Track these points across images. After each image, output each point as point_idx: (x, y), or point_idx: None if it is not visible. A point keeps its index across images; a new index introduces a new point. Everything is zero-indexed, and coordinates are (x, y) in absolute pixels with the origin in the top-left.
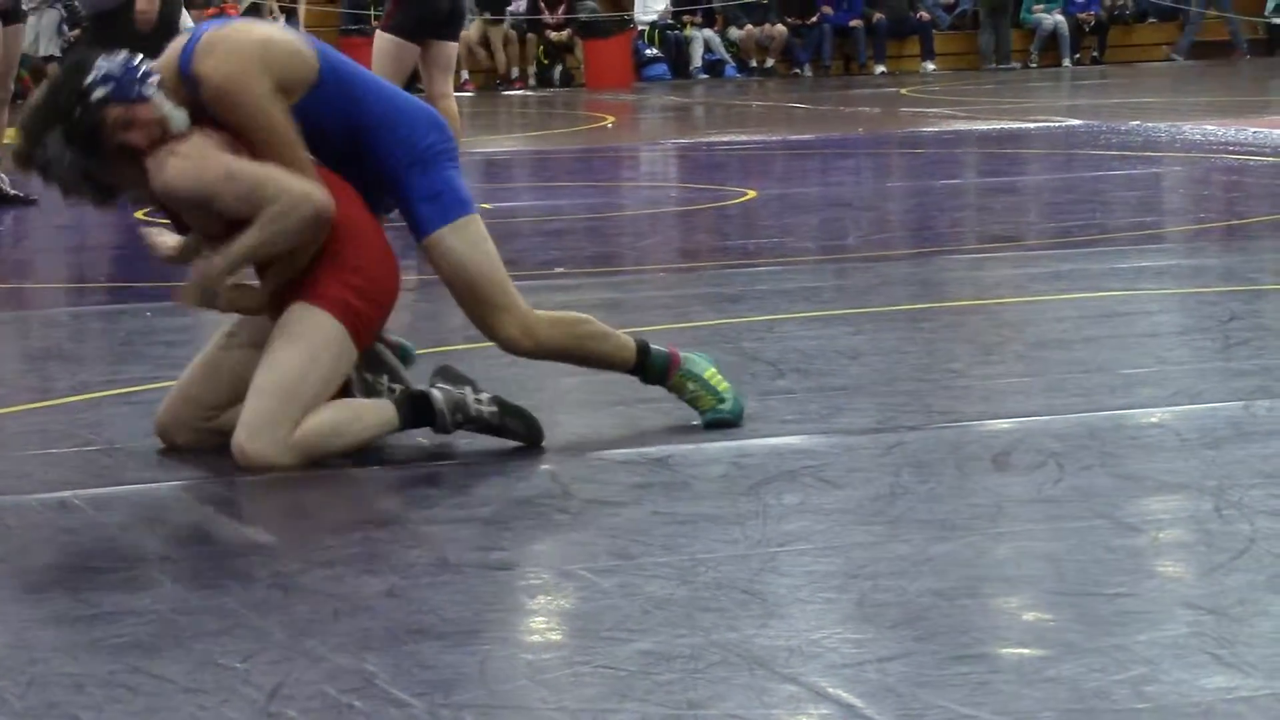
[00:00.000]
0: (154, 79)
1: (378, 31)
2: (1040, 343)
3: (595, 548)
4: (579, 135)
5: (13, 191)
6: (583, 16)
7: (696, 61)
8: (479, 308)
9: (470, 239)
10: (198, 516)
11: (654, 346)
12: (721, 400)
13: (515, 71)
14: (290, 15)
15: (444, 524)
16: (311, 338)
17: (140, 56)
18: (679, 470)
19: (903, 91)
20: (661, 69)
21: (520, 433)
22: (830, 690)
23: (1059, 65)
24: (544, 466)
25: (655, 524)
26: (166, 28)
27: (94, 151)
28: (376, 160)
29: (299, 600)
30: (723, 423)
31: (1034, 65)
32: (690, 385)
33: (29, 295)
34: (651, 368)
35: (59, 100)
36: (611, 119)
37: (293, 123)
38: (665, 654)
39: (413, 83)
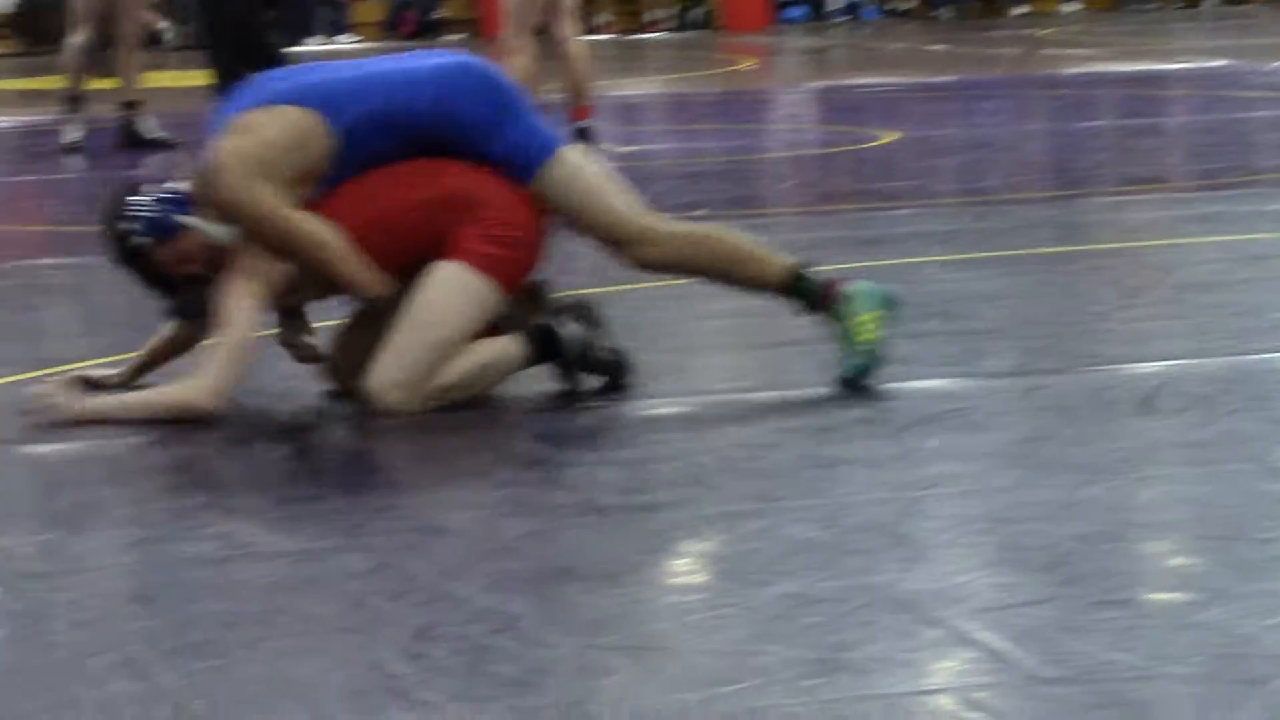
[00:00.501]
0: (186, 208)
1: None
2: (1186, 286)
3: (739, 491)
4: (717, 78)
5: (158, 135)
6: None
7: (836, 3)
8: (602, 247)
9: (562, 181)
10: (345, 458)
11: (807, 274)
12: (851, 352)
13: (653, 14)
14: None
15: (587, 466)
16: (447, 291)
17: (171, 186)
18: (822, 414)
19: (1042, 33)
20: (800, 11)
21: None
22: (976, 634)
23: (1198, 5)
24: (687, 409)
25: (799, 467)
26: None
27: (177, 286)
28: (454, 149)
29: (445, 542)
30: (847, 380)
31: (1176, 6)
32: (836, 326)
33: None
34: (805, 294)
35: (123, 260)
36: (750, 61)
37: (306, 219)
38: (810, 597)
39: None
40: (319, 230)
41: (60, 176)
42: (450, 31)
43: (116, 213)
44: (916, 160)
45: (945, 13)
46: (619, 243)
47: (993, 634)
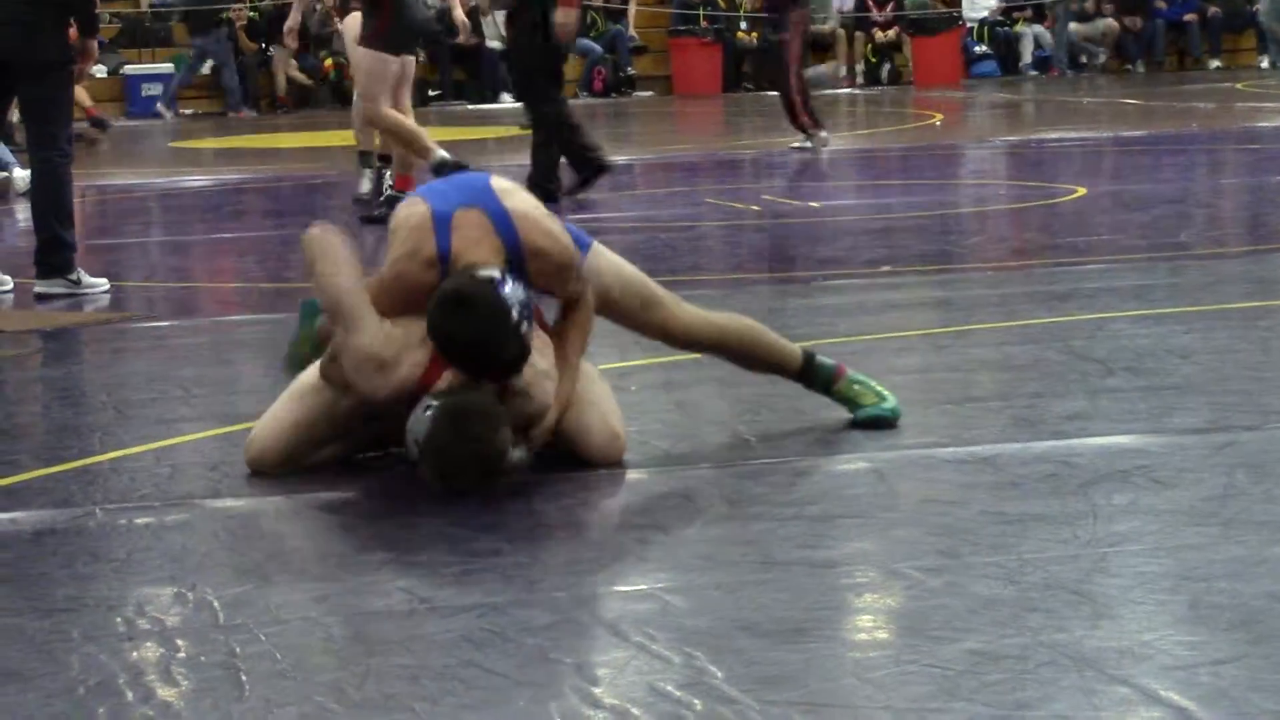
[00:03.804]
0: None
1: (360, 48)
2: None
3: (922, 546)
4: (907, 133)
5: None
6: (911, 14)
7: (1026, 58)
8: (634, 319)
9: (600, 263)
10: (528, 514)
11: (820, 358)
12: (883, 398)
13: (843, 70)
14: (619, 18)
15: (771, 522)
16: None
17: (503, 270)
18: (1007, 469)
19: (1238, 86)
20: (990, 66)
21: None
22: (1162, 693)
23: None
24: (871, 465)
25: (983, 523)
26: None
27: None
28: None
29: (626, 596)
30: (880, 421)
31: None
32: (855, 386)
33: None
34: (817, 376)
35: (512, 344)
36: (940, 116)
37: None
38: (993, 654)
39: None
40: None
41: (254, 234)
42: (640, 89)
43: (499, 304)
44: (1108, 215)
45: (1138, 67)
46: (653, 305)
47: (1180, 693)
